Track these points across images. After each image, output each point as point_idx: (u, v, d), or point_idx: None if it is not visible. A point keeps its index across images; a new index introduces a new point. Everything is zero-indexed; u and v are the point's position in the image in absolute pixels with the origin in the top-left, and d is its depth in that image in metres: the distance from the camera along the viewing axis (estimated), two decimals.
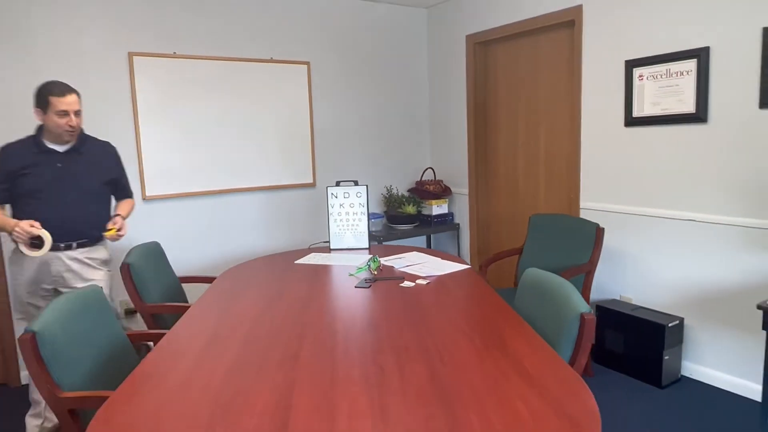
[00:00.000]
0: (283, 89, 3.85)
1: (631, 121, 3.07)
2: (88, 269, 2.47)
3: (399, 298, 2.07)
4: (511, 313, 1.86)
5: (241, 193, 3.76)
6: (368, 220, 3.02)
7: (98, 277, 2.50)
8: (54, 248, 2.30)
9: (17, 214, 2.32)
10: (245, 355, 1.58)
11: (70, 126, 2.32)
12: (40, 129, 2.37)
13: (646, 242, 3.09)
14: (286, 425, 1.17)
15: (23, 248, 2.21)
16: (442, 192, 4.41)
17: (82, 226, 2.41)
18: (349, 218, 2.99)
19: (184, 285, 2.89)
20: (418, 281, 2.30)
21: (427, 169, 4.64)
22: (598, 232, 2.95)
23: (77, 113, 2.35)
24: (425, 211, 4.37)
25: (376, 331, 1.73)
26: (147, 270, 2.51)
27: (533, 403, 1.24)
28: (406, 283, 2.27)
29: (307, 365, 1.49)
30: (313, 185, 4.08)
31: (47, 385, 1.49)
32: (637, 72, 3.00)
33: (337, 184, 3.01)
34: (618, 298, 3.26)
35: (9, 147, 2.36)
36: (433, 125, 4.65)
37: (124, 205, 2.66)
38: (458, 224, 4.47)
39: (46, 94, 2.26)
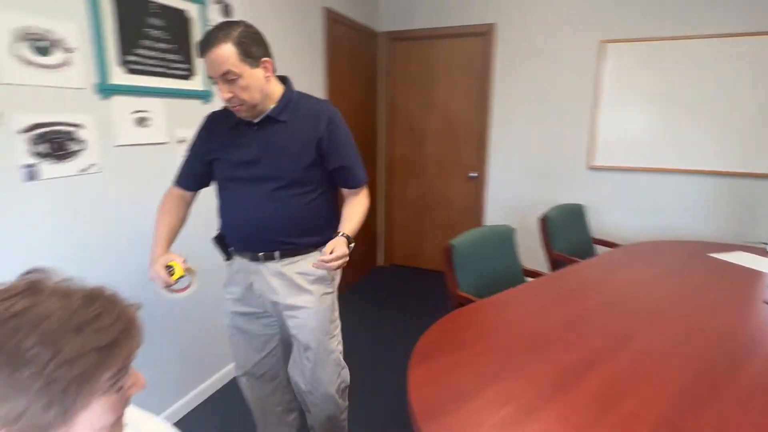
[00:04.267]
0: (755, 66, 2.83)
1: None
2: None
3: None
4: None
5: (682, 174, 3.12)
6: None
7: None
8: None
9: None
10: (591, 318, 1.45)
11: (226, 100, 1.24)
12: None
13: None
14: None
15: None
16: None
17: None
18: None
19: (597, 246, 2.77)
20: None
21: None
22: None
23: (226, 77, 1.19)
24: None
25: None
26: (560, 224, 2.54)
27: None
28: None
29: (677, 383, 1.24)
30: None
31: (452, 283, 1.82)
32: None
33: None
34: None
35: None
36: None
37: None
38: None
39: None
